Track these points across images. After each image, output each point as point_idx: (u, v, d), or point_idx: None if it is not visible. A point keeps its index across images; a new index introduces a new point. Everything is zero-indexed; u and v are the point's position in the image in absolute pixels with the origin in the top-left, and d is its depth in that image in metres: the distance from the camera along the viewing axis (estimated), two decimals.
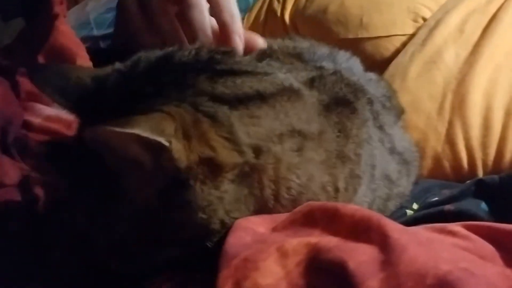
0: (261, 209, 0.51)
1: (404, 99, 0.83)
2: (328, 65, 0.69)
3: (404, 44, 1.01)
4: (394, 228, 0.41)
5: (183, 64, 0.52)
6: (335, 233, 0.44)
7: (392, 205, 0.68)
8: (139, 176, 0.47)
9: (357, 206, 0.46)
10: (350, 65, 0.73)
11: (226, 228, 0.48)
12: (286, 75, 0.57)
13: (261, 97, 0.51)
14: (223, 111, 0.48)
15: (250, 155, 0.49)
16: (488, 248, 0.43)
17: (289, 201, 0.53)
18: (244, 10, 1.32)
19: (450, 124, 0.80)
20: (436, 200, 0.68)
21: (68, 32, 1.26)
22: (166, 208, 0.47)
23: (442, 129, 0.80)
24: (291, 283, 0.39)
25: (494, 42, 0.85)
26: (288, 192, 0.53)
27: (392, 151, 0.68)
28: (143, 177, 0.47)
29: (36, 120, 1.11)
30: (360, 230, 0.42)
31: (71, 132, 1.09)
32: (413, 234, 0.41)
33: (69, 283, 0.63)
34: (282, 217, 0.50)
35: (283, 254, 0.42)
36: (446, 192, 0.71)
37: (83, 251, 0.59)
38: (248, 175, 0.49)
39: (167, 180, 0.47)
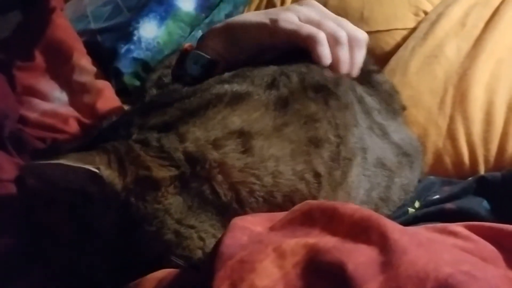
0: (228, 213, 0.53)
1: (404, 94, 0.82)
2: None
3: (405, 38, 0.99)
4: (394, 229, 0.40)
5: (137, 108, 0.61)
6: (334, 233, 0.43)
7: (395, 196, 0.67)
8: (95, 208, 0.53)
9: (357, 206, 0.45)
10: None
11: (184, 238, 0.51)
12: (228, 85, 0.59)
13: (188, 114, 0.55)
14: (153, 136, 0.54)
15: (185, 167, 0.52)
16: (490, 249, 0.42)
17: (261, 202, 0.53)
18: (243, 3, 1.31)
19: (451, 119, 0.79)
20: (437, 198, 0.67)
21: (65, 26, 1.25)
22: (122, 233, 0.52)
23: (443, 124, 0.79)
24: (288, 285, 0.38)
25: (497, 36, 0.83)
26: (252, 195, 0.53)
27: (386, 138, 0.67)
28: (98, 209, 0.53)
29: (32, 115, 1.10)
30: (359, 230, 0.41)
31: (67, 127, 1.09)
32: (413, 235, 0.40)
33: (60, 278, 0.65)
34: (279, 215, 0.49)
35: (280, 254, 0.41)
36: (447, 189, 0.70)
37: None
38: (191, 185, 0.52)
39: (114, 207, 0.52)
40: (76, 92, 1.16)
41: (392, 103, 0.72)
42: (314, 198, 0.56)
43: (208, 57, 0.75)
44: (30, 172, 0.54)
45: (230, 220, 0.49)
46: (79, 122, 1.10)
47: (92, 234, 0.55)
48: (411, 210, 0.68)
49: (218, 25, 0.78)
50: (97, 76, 1.17)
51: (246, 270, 0.40)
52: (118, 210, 0.52)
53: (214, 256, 0.42)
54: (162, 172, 0.52)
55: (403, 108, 0.74)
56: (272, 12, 0.72)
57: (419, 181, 0.74)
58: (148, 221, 0.51)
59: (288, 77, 0.62)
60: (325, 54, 0.67)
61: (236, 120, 0.55)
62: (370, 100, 0.69)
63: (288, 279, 0.39)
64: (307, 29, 0.68)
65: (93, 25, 1.27)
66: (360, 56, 0.69)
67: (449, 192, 0.66)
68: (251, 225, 0.46)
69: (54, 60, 1.21)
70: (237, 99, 0.57)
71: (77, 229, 0.56)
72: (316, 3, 0.73)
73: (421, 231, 0.45)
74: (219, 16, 1.27)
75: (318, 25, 0.68)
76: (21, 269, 0.73)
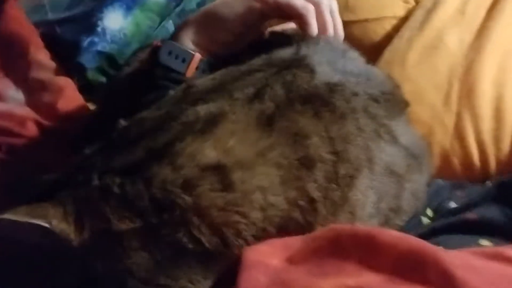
0: (213, 261, 0.46)
1: (405, 89, 0.75)
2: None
3: (395, 27, 0.93)
4: (455, 263, 0.33)
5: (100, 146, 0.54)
6: (375, 268, 0.35)
7: (406, 204, 0.60)
8: (53, 265, 0.48)
9: (397, 233, 0.38)
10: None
11: None
12: (202, 106, 0.52)
13: (155, 152, 0.49)
14: (115, 182, 0.47)
15: (150, 217, 0.46)
16: None
17: (251, 241, 0.47)
18: None
19: (458, 116, 0.73)
20: (455, 208, 0.60)
21: (19, 17, 1.12)
22: None
23: (450, 122, 0.73)
24: None
25: (501, 26, 0.78)
26: (239, 236, 0.47)
27: (394, 142, 0.60)
28: (56, 265, 0.48)
29: None
30: (410, 266, 0.34)
31: (25, 130, 0.97)
32: (480, 271, 0.33)
33: None
34: (296, 242, 0.41)
35: None
36: (461, 195, 0.64)
37: None
38: (161, 235, 0.46)
39: (71, 266, 0.47)
40: (34, 91, 1.05)
41: (394, 99, 0.65)
42: (311, 224, 0.49)
43: (187, 49, 0.67)
44: None
45: (216, 270, 0.44)
46: (38, 124, 0.99)
47: None
48: (424, 219, 0.62)
49: (194, 14, 0.72)
50: (57, 72, 1.06)
51: None
52: (75, 269, 0.47)
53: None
54: (124, 225, 0.46)
55: (406, 104, 0.67)
56: None
57: (427, 185, 0.67)
58: (108, 283, 0.46)
59: (272, 88, 0.55)
60: (314, 23, 0.67)
61: (210, 152, 0.48)
62: (372, 101, 0.62)
63: None
64: (302, 3, 0.66)
65: (51, 16, 1.15)
66: (338, 17, 0.70)
67: (467, 199, 0.60)
68: (265, 258, 0.39)
69: (7, 55, 1.09)
70: (210, 124, 0.50)
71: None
72: None
73: (477, 260, 0.38)
74: (191, 5, 1.18)
75: None
76: None
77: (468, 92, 0.74)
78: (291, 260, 0.39)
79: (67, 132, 0.98)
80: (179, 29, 0.71)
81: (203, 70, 0.68)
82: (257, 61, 0.62)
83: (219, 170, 0.47)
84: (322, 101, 0.55)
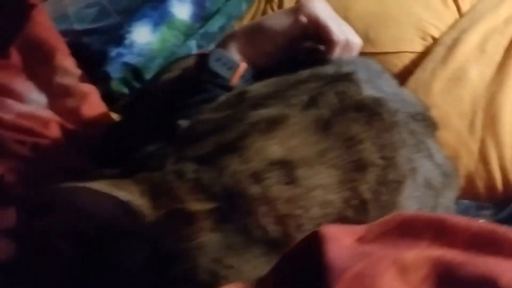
0: (276, 250, 0.48)
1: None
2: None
3: (413, 62, 0.98)
4: None
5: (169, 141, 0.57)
6: (450, 246, 0.37)
7: None
8: (123, 243, 0.50)
9: (465, 217, 0.40)
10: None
11: (219, 278, 0.47)
12: (262, 110, 0.56)
13: (225, 147, 0.52)
14: (190, 168, 0.51)
15: (223, 202, 0.49)
16: None
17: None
18: (236, 17, 1.26)
19: (483, 142, 0.77)
20: None
21: (46, 24, 1.14)
22: (152, 272, 0.48)
23: (475, 147, 0.77)
24: None
25: None
26: (299, 230, 0.49)
27: (431, 159, 0.63)
28: (127, 244, 0.50)
29: (6, 116, 0.99)
30: (485, 243, 0.36)
31: (48, 131, 0.98)
32: None
33: None
34: (360, 228, 0.44)
35: (401, 268, 0.35)
36: (487, 213, 0.67)
37: None
38: (232, 220, 0.48)
39: (145, 242, 0.49)
40: (57, 95, 1.06)
41: (427, 120, 0.69)
42: (363, 223, 0.51)
43: (236, 59, 0.71)
44: (59, 196, 0.49)
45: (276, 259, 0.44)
46: (61, 126, 1.00)
47: (119, 271, 0.50)
48: None
49: (240, 28, 0.77)
50: (82, 80, 1.08)
51: (366, 285, 0.34)
52: (148, 245, 0.49)
53: (322, 269, 0.35)
54: (198, 205, 0.48)
55: (437, 126, 0.71)
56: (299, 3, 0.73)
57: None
58: (181, 259, 0.48)
59: (326, 97, 0.59)
60: (335, 55, 0.70)
61: (275, 149, 0.52)
62: (410, 119, 0.66)
63: None
64: (337, 28, 0.70)
65: (76, 26, 1.18)
66: None
67: (497, 218, 0.63)
68: (339, 236, 0.40)
69: (33, 59, 1.10)
70: (272, 125, 0.54)
71: (102, 265, 0.52)
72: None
73: None
74: (213, 28, 1.23)
75: (338, 25, 0.71)
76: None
77: (491, 121, 0.78)
78: (362, 241, 0.41)
79: (89, 136, 0.99)
80: (226, 39, 0.74)
81: (246, 79, 0.71)
82: (304, 73, 0.66)
83: (285, 165, 0.50)
84: (372, 111, 0.59)
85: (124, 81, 1.10)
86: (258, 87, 0.62)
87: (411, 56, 0.99)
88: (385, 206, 0.54)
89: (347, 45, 0.71)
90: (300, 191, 0.50)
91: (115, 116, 1.05)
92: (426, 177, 0.61)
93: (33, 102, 1.06)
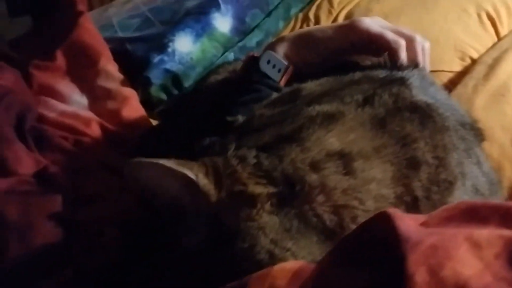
0: (330, 240, 0.49)
1: None
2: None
3: (451, 81, 0.99)
4: None
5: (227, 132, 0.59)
6: None
7: None
8: (184, 221, 0.51)
9: None
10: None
11: (277, 259, 0.47)
12: (318, 106, 0.58)
13: (284, 138, 0.54)
14: (251, 154, 0.52)
15: (282, 187, 0.50)
16: None
17: None
18: (273, 33, 1.29)
19: None
20: None
21: (92, 31, 1.19)
22: (211, 249, 0.49)
23: None
24: (496, 276, 0.33)
25: None
26: (354, 221, 0.50)
27: (479, 167, 0.64)
28: (188, 222, 0.51)
29: (50, 115, 1.01)
30: None
31: (89, 130, 1.01)
32: None
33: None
34: (421, 216, 0.44)
35: (474, 245, 0.35)
36: None
37: None
38: (290, 206, 0.50)
39: (206, 220, 0.50)
40: (99, 98, 1.09)
41: (476, 129, 0.69)
42: None
43: (285, 62, 0.73)
44: (131, 168, 0.51)
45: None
46: (102, 126, 1.02)
47: (178, 249, 0.51)
48: None
49: (290, 34, 0.79)
50: (123, 84, 1.11)
51: (442, 256, 0.34)
52: (209, 223, 0.50)
53: (395, 241, 0.36)
54: (259, 189, 0.50)
55: (484, 137, 0.72)
56: (351, 19, 0.75)
57: None
58: (241, 238, 0.49)
59: (381, 97, 0.60)
60: (404, 57, 0.72)
61: (334, 142, 0.53)
62: (460, 126, 0.66)
63: (493, 270, 0.34)
64: (392, 35, 0.72)
65: (121, 34, 1.22)
66: (428, 54, 0.75)
67: None
68: (404, 218, 0.41)
69: (77, 63, 1.14)
70: (329, 119, 0.55)
71: (162, 242, 0.53)
72: None
73: None
74: (251, 43, 1.25)
75: (396, 31, 0.73)
76: (52, 269, 0.64)
77: None
78: (426, 225, 0.41)
79: (128, 138, 1.01)
80: (274, 42, 0.77)
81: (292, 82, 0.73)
82: (356, 75, 0.68)
83: (343, 157, 0.51)
84: (425, 113, 0.59)
85: (164, 88, 1.12)
86: (312, 86, 0.64)
87: (450, 75, 1.00)
88: (435, 205, 0.54)
89: (412, 46, 0.72)
90: (357, 183, 0.51)
91: (153, 122, 1.07)
92: (474, 183, 0.61)
93: (76, 103, 1.09)
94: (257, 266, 0.46)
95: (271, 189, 0.50)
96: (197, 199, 0.50)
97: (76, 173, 0.83)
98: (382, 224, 0.38)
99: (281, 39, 0.77)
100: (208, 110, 0.75)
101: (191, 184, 0.49)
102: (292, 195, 0.49)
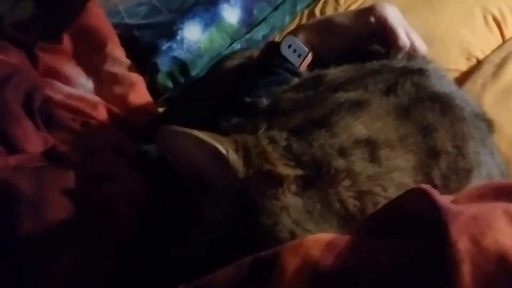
0: (349, 226, 0.49)
1: None
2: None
3: (457, 80, 1.00)
4: None
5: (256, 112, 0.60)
6: None
7: None
8: (210, 195, 0.51)
9: None
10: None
11: (298, 238, 0.47)
12: (344, 93, 0.59)
13: (313, 122, 0.55)
14: (282, 136, 0.53)
15: (309, 170, 0.51)
16: None
17: None
18: (278, 28, 1.30)
19: None
20: None
21: (100, 15, 1.18)
22: (234, 224, 0.50)
23: None
24: None
25: None
26: (375, 208, 0.51)
27: (493, 156, 0.65)
28: (213, 196, 0.51)
29: (56, 96, 1.01)
30: None
31: (96, 113, 1.00)
32: None
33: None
34: (449, 196, 0.45)
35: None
36: None
37: None
38: (315, 189, 0.50)
39: (231, 196, 0.51)
40: (105, 82, 1.08)
41: (487, 120, 0.71)
42: None
43: (306, 48, 0.74)
44: (165, 135, 0.51)
45: None
46: (109, 110, 1.02)
47: (200, 222, 0.52)
48: None
49: (310, 20, 0.79)
50: (131, 69, 1.11)
51: (483, 226, 0.35)
52: (234, 199, 0.51)
53: (435, 212, 0.36)
54: (287, 170, 0.51)
55: (494, 128, 0.73)
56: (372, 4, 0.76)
57: None
58: (265, 215, 0.49)
59: (403, 86, 0.61)
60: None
61: (361, 129, 0.54)
62: (474, 117, 0.68)
63: None
64: (404, 34, 0.73)
65: (128, 21, 1.21)
66: None
67: None
68: (437, 193, 0.42)
69: (84, 46, 1.13)
70: (356, 107, 0.56)
71: (185, 215, 0.54)
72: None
73: None
74: (257, 36, 1.26)
75: (407, 34, 0.74)
76: (65, 245, 0.64)
77: None
78: (457, 203, 0.42)
79: (135, 122, 1.01)
80: (296, 29, 0.78)
81: (311, 68, 0.74)
82: (375, 64, 0.69)
83: (369, 144, 0.52)
84: (445, 102, 0.61)
85: (171, 75, 1.12)
86: (335, 72, 0.64)
87: (455, 74, 1.01)
88: (452, 194, 0.55)
89: (412, 51, 0.74)
90: (381, 171, 0.52)
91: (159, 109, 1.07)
92: (489, 172, 0.62)
93: (81, 86, 1.08)
94: (277, 243, 0.46)
95: (299, 172, 0.50)
96: (225, 174, 0.50)
97: (84, 153, 0.83)
98: (420, 197, 0.38)
99: (302, 27, 0.78)
100: (227, 92, 0.75)
101: (221, 158, 0.50)
102: (318, 178, 0.50)
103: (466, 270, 0.33)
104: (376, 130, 0.54)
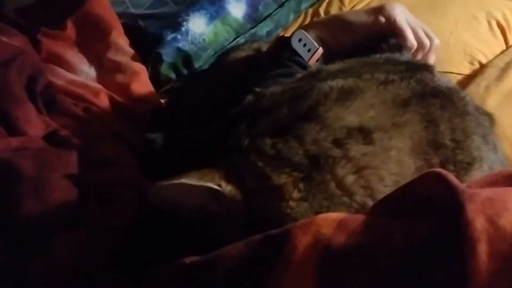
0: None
1: None
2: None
3: (460, 83, 1.01)
4: None
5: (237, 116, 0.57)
6: None
7: None
8: (216, 226, 0.51)
9: None
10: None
11: None
12: (331, 81, 0.57)
13: (300, 116, 0.53)
14: (267, 144, 0.51)
15: (308, 168, 0.50)
16: None
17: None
18: (282, 26, 1.30)
19: None
20: None
21: (105, 3, 1.17)
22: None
23: None
24: None
25: None
26: (382, 184, 0.50)
27: (495, 153, 0.65)
28: (220, 226, 0.51)
29: (58, 82, 1.00)
30: None
31: (98, 100, 1.00)
32: None
33: None
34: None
35: None
36: None
37: None
38: (315, 183, 0.49)
39: (238, 220, 0.50)
40: (108, 70, 1.08)
41: (487, 114, 0.71)
42: None
43: (314, 41, 0.74)
44: (155, 193, 0.50)
45: None
46: (111, 98, 1.01)
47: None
48: None
49: (321, 18, 0.79)
50: (134, 59, 1.10)
51: (499, 207, 0.35)
52: (242, 222, 0.50)
53: (451, 193, 0.36)
54: (283, 178, 0.49)
55: (493, 121, 0.74)
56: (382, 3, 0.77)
57: None
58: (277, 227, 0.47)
59: (408, 80, 0.61)
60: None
61: (353, 118, 0.53)
62: (476, 110, 0.68)
63: None
64: (411, 36, 0.75)
65: (133, 10, 1.21)
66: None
67: None
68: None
69: (88, 34, 1.13)
70: (347, 95, 0.55)
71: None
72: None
73: None
74: (261, 31, 1.26)
75: (414, 31, 0.75)
76: (66, 225, 0.63)
77: None
78: (471, 187, 0.42)
79: (137, 111, 1.00)
80: (307, 25, 0.79)
81: (321, 63, 0.74)
82: (378, 57, 0.69)
83: (362, 131, 0.52)
84: (446, 97, 0.61)
85: (174, 67, 1.12)
86: (333, 66, 0.64)
87: (458, 78, 1.02)
88: None
89: (420, 49, 0.75)
90: (376, 149, 0.51)
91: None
92: (491, 167, 0.62)
93: (83, 73, 1.08)
94: None
95: (296, 175, 0.49)
96: (225, 205, 0.50)
97: (85, 138, 0.82)
98: (435, 179, 0.38)
99: (313, 23, 0.79)
100: (235, 82, 0.75)
101: (217, 193, 0.49)
102: (316, 171, 0.49)
103: (482, 248, 0.32)
104: (369, 119, 0.53)
